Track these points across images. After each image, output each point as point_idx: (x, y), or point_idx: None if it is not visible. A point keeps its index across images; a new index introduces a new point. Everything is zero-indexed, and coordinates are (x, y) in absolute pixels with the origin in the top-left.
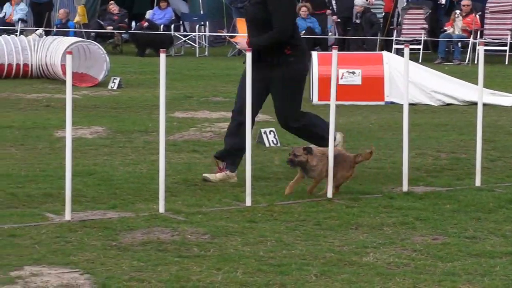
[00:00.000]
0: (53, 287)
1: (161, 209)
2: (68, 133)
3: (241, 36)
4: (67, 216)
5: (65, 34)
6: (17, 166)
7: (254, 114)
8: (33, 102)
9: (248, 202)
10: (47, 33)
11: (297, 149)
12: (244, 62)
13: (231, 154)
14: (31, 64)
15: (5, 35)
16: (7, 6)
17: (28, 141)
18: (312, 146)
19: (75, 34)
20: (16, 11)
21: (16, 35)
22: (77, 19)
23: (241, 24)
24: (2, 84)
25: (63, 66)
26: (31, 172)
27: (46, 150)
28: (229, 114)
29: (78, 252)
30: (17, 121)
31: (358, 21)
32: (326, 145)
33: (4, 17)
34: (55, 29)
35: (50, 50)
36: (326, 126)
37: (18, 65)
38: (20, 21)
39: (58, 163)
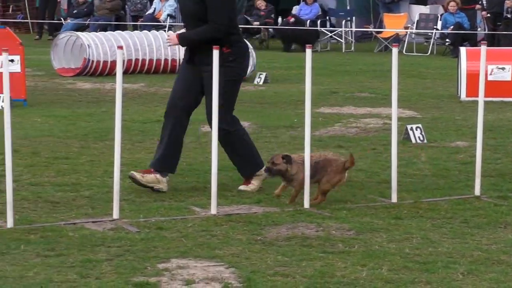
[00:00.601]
0: (198, 280)
1: (306, 204)
2: (214, 127)
3: (389, 32)
4: (213, 210)
5: None
6: None
7: (189, 108)
8: None
9: (394, 199)
10: None
11: (276, 157)
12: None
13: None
14: (179, 59)
15: (154, 31)
16: (156, 2)
17: None
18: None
19: None
20: (165, 7)
21: (165, 30)
22: None
23: (388, 19)
24: (151, 79)
25: None
26: (178, 166)
27: (192, 145)
28: (375, 110)
29: (223, 246)
30: None
31: (509, 16)
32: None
33: (153, 13)
34: None
35: None
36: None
37: (166, 60)
38: (168, 17)
39: (204, 158)
